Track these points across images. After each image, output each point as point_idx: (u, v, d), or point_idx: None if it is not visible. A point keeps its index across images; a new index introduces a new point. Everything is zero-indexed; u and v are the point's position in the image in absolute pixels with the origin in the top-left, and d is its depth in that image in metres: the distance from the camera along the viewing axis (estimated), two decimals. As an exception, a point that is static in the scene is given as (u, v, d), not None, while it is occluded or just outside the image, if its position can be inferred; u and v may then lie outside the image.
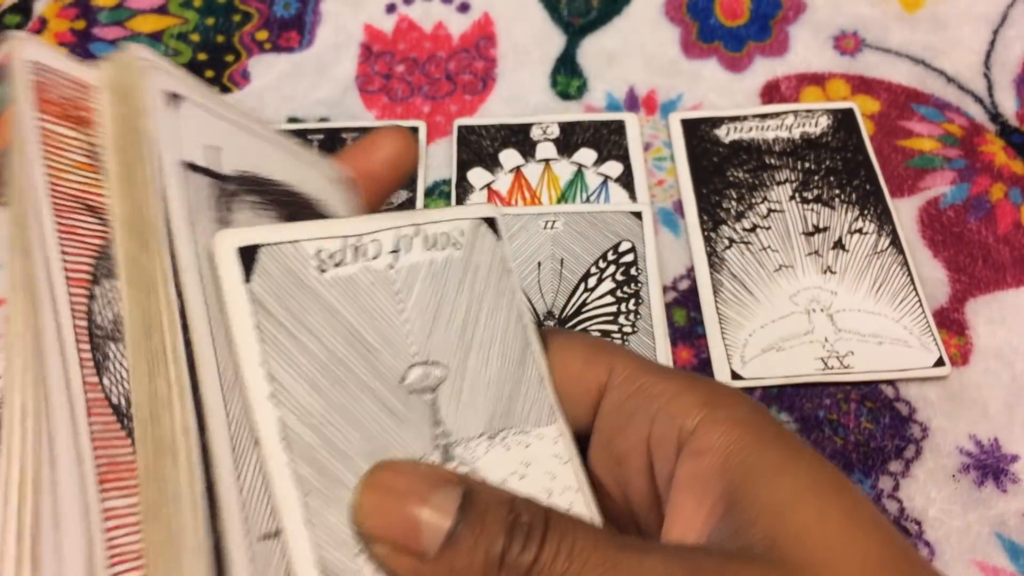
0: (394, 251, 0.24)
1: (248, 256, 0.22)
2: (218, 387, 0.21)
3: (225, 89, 0.54)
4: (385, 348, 0.23)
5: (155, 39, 0.56)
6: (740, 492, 0.22)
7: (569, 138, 0.51)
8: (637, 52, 0.55)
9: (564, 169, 0.50)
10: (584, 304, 0.44)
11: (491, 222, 0.26)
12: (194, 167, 0.22)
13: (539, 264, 0.45)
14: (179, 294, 0.21)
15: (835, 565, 0.20)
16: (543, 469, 0.24)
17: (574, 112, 0.52)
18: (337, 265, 0.23)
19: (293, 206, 0.25)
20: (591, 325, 0.43)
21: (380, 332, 0.23)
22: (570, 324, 0.43)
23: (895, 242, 0.46)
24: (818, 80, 0.53)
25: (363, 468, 0.21)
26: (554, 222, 0.47)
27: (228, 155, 0.23)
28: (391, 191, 0.30)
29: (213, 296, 0.21)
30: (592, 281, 0.44)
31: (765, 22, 0.55)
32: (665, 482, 0.24)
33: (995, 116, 0.51)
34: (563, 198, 0.48)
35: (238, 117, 0.25)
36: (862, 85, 0.52)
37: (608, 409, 0.25)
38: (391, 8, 0.57)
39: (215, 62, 0.55)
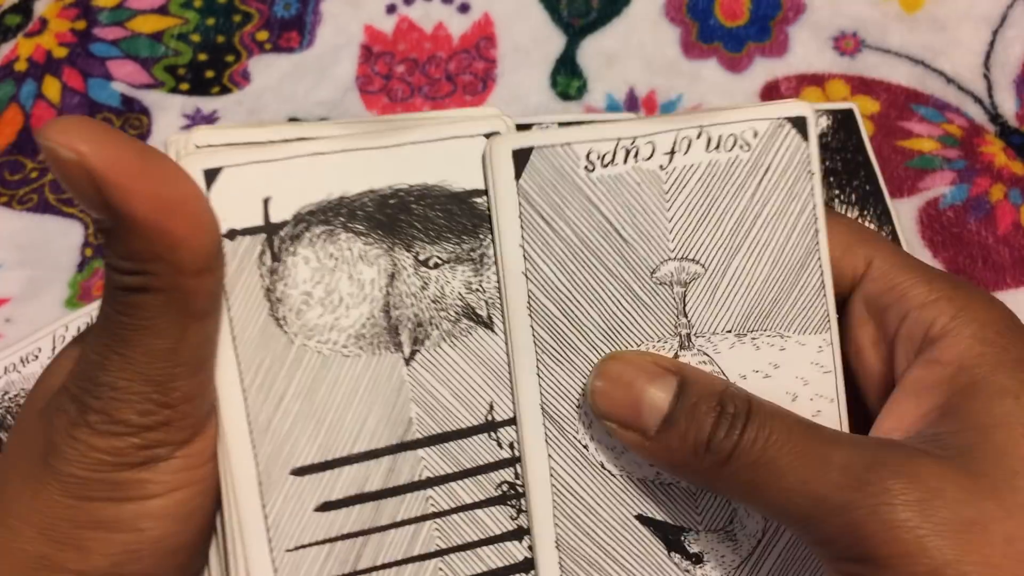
0: (669, 152, 0.25)
1: (521, 156, 0.25)
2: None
3: (225, 89, 0.54)
4: (641, 242, 0.25)
5: (155, 39, 0.56)
6: (958, 405, 0.23)
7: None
8: (637, 53, 0.55)
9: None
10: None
11: (799, 122, 0.26)
12: (232, 233, 0.23)
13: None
14: None
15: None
16: (795, 374, 0.26)
17: (574, 113, 0.52)
18: (605, 165, 0.25)
19: (395, 207, 0.25)
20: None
21: (638, 227, 0.25)
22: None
23: (895, 242, 0.46)
24: (818, 81, 0.53)
25: (598, 341, 0.25)
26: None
27: (280, 199, 0.24)
28: None
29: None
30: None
31: (765, 23, 0.55)
32: (899, 377, 0.25)
33: (995, 117, 0.51)
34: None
35: (303, 147, 0.24)
36: (862, 86, 0.52)
37: (860, 299, 0.27)
38: (391, 9, 0.57)
39: (215, 62, 0.55)
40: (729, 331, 0.26)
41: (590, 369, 0.25)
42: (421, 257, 0.25)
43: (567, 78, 0.54)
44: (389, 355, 0.25)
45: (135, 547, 0.22)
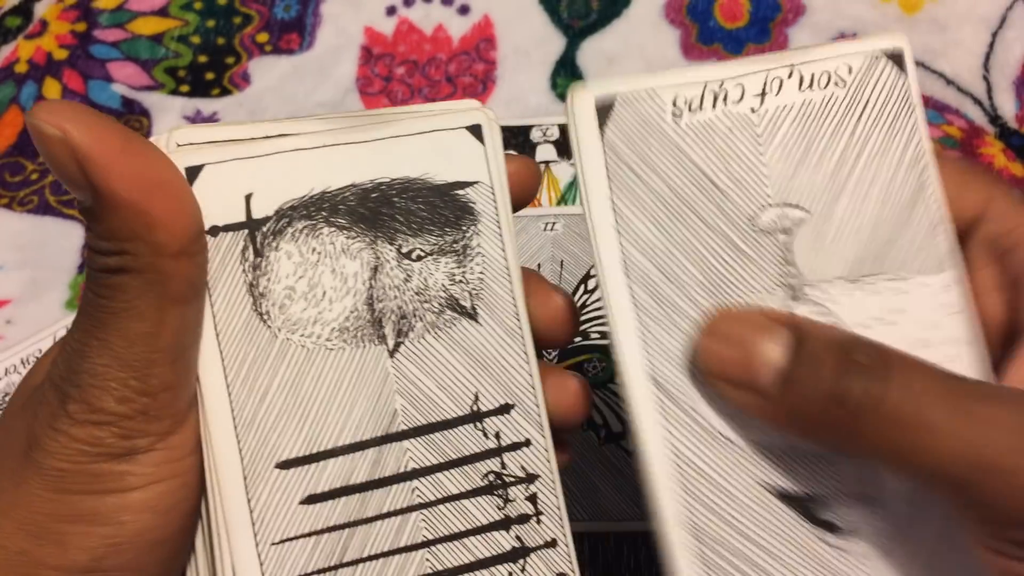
0: (760, 94, 0.24)
1: (605, 105, 0.24)
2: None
3: (226, 91, 0.54)
4: (737, 190, 0.24)
5: (156, 41, 0.56)
6: None
7: (569, 140, 0.51)
8: (637, 54, 0.55)
9: (564, 171, 0.50)
10: (584, 305, 0.44)
11: (895, 55, 0.25)
12: (215, 230, 0.24)
13: (539, 266, 0.45)
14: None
15: None
16: (921, 317, 0.24)
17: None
18: (693, 111, 0.24)
19: (377, 201, 0.25)
20: (591, 327, 0.43)
21: (733, 175, 0.24)
22: (570, 326, 0.44)
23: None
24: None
25: (700, 298, 0.24)
26: (554, 224, 0.47)
27: (262, 196, 0.24)
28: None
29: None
30: (592, 283, 0.45)
31: (765, 24, 0.55)
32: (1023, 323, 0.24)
33: (994, 118, 0.51)
34: (563, 200, 0.49)
35: (283, 143, 0.25)
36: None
37: (979, 241, 0.25)
38: (391, 10, 0.57)
39: (216, 64, 0.55)
40: (842, 277, 0.24)
41: (695, 330, 0.24)
42: (404, 250, 0.25)
43: (567, 79, 0.54)
44: (373, 347, 0.25)
45: (116, 540, 0.22)
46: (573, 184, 0.49)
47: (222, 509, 0.23)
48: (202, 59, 0.55)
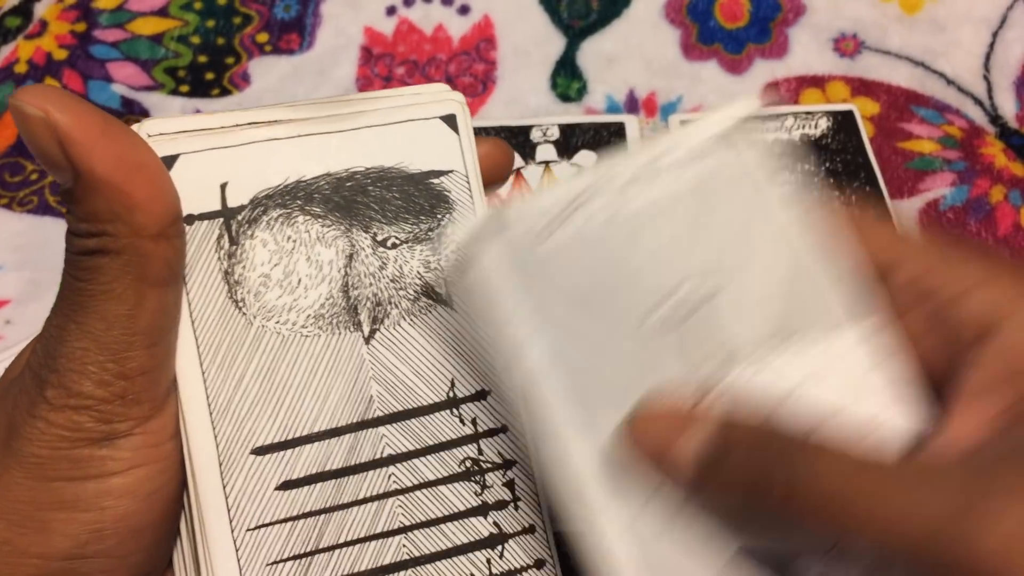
0: (628, 191, 0.23)
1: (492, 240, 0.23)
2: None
3: (225, 91, 0.54)
4: (631, 289, 0.23)
5: (156, 41, 0.56)
6: None
7: (569, 140, 0.51)
8: (637, 54, 0.55)
9: (564, 171, 0.50)
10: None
11: (748, 119, 0.24)
12: (190, 218, 0.24)
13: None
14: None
15: None
16: (847, 371, 0.23)
17: (574, 114, 0.52)
18: (552, 233, 0.23)
19: (352, 190, 0.25)
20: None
21: (623, 275, 0.23)
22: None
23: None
24: (818, 82, 0.53)
25: (624, 400, 0.22)
26: (554, 224, 0.47)
27: (237, 185, 0.24)
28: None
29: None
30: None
31: (765, 24, 0.55)
32: (953, 370, 0.22)
33: (995, 118, 0.51)
34: (563, 200, 0.49)
35: (256, 131, 0.25)
36: (862, 87, 0.52)
37: (901, 282, 0.23)
38: (391, 10, 0.57)
39: (215, 64, 0.55)
40: (766, 341, 0.23)
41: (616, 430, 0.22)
42: (379, 238, 0.25)
43: (567, 80, 0.54)
44: (349, 334, 0.25)
45: (97, 526, 0.22)
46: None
47: (197, 495, 0.23)
48: (202, 59, 0.55)
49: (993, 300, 0.22)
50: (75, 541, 0.22)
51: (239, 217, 0.24)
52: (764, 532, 0.22)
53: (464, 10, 0.57)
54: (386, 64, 0.55)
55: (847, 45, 0.54)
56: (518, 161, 0.50)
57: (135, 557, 0.23)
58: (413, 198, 0.25)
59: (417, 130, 0.25)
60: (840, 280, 0.24)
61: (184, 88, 0.54)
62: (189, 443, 0.23)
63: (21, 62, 0.55)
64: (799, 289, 0.24)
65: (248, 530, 0.24)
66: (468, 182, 0.26)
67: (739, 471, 0.21)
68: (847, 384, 0.23)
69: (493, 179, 0.27)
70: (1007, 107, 0.51)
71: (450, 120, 0.26)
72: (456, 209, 0.26)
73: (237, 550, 0.24)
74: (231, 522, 0.24)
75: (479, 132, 0.52)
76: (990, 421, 0.21)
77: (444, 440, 0.25)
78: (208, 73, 0.55)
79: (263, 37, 0.56)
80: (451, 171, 0.26)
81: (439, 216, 0.26)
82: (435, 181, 0.25)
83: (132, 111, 0.54)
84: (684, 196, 0.23)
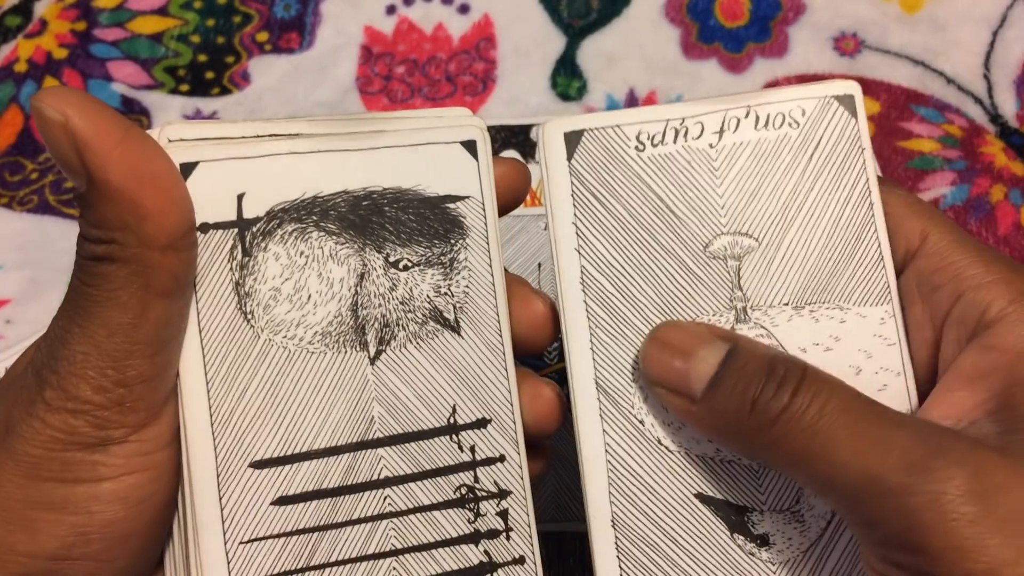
0: (719, 131, 0.26)
1: (573, 138, 0.26)
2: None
3: (225, 90, 0.54)
4: (693, 218, 0.26)
5: (155, 40, 0.56)
6: (1017, 396, 0.22)
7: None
8: (637, 53, 0.55)
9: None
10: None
11: (847, 100, 0.27)
12: (205, 226, 0.24)
13: (539, 265, 0.45)
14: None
15: None
16: (857, 347, 0.26)
17: (574, 113, 0.52)
18: (656, 144, 0.26)
19: (368, 209, 0.25)
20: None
21: (689, 204, 0.26)
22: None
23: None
24: (818, 81, 0.53)
25: (653, 316, 0.26)
26: (554, 223, 0.47)
27: (254, 196, 0.24)
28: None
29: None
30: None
31: (765, 23, 0.55)
32: (947, 362, 0.25)
33: (995, 117, 0.51)
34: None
35: (278, 144, 0.25)
36: (862, 86, 0.52)
37: (912, 275, 0.26)
38: (391, 9, 0.57)
39: (215, 63, 0.55)
40: (786, 304, 0.26)
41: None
42: (392, 259, 0.25)
43: (567, 79, 0.54)
44: (354, 354, 0.25)
45: (84, 530, 0.22)
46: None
47: (193, 504, 0.23)
48: (202, 58, 0.55)
49: (994, 301, 0.24)
50: (61, 543, 0.22)
51: (254, 229, 0.24)
52: (744, 451, 0.25)
53: (464, 9, 0.57)
54: (386, 63, 0.55)
55: (847, 44, 0.54)
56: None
57: (121, 562, 0.23)
58: (428, 221, 0.25)
59: (437, 153, 0.26)
60: (873, 264, 0.26)
61: (184, 87, 0.54)
62: (188, 452, 0.23)
63: (21, 61, 0.55)
64: (836, 263, 0.26)
65: (241, 543, 0.24)
66: (484, 209, 0.26)
67: (737, 391, 0.23)
68: (857, 355, 0.26)
69: (508, 202, 0.27)
70: (1007, 106, 0.51)
71: (470, 146, 0.26)
72: (470, 235, 0.26)
73: (229, 562, 0.24)
74: (224, 534, 0.24)
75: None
76: (977, 406, 0.23)
77: (441, 466, 0.25)
78: (208, 72, 0.55)
79: (263, 36, 0.56)
80: (468, 197, 0.26)
81: (452, 241, 0.26)
82: (451, 206, 0.26)
83: (132, 110, 0.54)
84: (766, 151, 0.26)
